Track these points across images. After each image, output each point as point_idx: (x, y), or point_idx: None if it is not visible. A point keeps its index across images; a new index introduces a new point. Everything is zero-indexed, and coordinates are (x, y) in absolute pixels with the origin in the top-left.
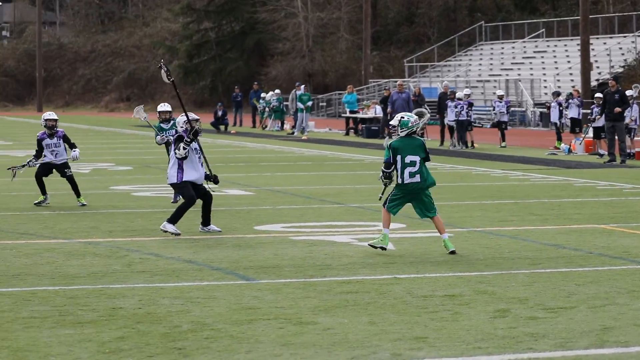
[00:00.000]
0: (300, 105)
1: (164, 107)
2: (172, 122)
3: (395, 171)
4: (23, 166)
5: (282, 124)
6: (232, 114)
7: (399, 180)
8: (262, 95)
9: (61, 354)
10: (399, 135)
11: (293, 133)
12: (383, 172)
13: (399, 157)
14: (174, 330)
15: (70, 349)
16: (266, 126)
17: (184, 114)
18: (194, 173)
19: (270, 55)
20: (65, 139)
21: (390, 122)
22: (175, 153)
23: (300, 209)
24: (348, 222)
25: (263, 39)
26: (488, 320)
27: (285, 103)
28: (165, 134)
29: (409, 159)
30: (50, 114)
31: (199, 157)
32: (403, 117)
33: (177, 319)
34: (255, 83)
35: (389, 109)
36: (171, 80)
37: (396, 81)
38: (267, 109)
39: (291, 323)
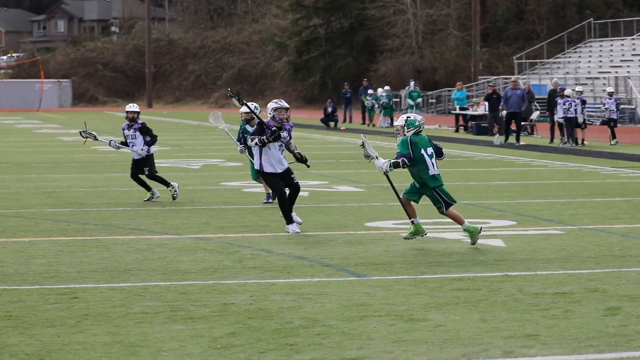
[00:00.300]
0: (410, 101)
1: (132, 107)
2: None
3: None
4: (95, 137)
5: (392, 120)
6: (342, 111)
7: (429, 172)
8: (369, 91)
9: (173, 349)
10: (405, 135)
11: None
12: (397, 165)
13: (422, 151)
14: (286, 326)
15: (181, 345)
16: (375, 124)
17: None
18: (276, 165)
19: (380, 52)
20: (143, 132)
21: (395, 123)
22: (251, 140)
23: None
24: None
25: (372, 36)
26: (599, 318)
27: (394, 99)
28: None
29: (429, 150)
30: (131, 106)
31: (282, 152)
32: (409, 117)
33: (289, 315)
34: (365, 79)
35: (501, 106)
36: (243, 103)
37: (508, 78)
38: (375, 105)
39: (402, 320)
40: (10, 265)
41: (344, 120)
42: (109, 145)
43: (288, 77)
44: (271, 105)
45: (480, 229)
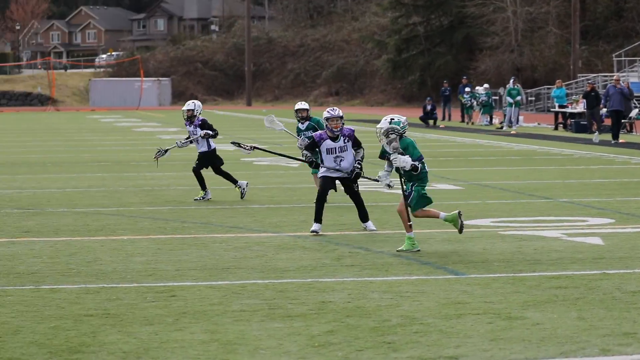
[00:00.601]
0: (509, 99)
1: (301, 105)
2: (308, 122)
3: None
4: (166, 151)
5: (491, 118)
6: (441, 109)
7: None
8: (467, 89)
9: (270, 347)
10: (389, 137)
11: (502, 127)
12: (417, 168)
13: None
14: (383, 324)
15: (279, 343)
16: (473, 122)
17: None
18: (330, 171)
19: (479, 50)
20: (203, 128)
21: (379, 126)
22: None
23: (509, 204)
24: (557, 217)
25: (472, 33)
26: None
27: (494, 97)
28: (302, 135)
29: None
30: (187, 105)
31: (340, 160)
32: (393, 119)
33: (387, 313)
34: (464, 77)
35: (602, 104)
36: (251, 149)
37: (607, 76)
38: (474, 104)
39: (500, 318)
40: (109, 263)
41: (443, 119)
42: (178, 146)
43: (387, 75)
44: (324, 114)
45: (460, 213)
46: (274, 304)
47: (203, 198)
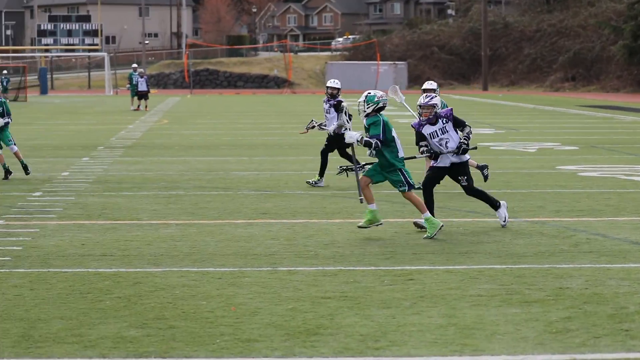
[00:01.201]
0: None
1: (332, 83)
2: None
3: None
4: (320, 125)
5: None
6: None
7: (399, 154)
8: None
9: (508, 332)
10: (365, 111)
11: None
12: (369, 145)
13: (393, 132)
14: (621, 311)
15: (517, 328)
16: None
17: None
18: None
19: None
20: (336, 109)
21: (359, 100)
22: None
23: None
24: None
25: None
26: None
27: None
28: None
29: (394, 132)
30: (331, 82)
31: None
32: (369, 93)
33: (624, 300)
34: None
35: None
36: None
37: None
38: None
39: None
40: (346, 246)
41: None
42: (318, 128)
43: (623, 62)
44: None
45: (442, 226)
46: (511, 289)
47: (315, 184)
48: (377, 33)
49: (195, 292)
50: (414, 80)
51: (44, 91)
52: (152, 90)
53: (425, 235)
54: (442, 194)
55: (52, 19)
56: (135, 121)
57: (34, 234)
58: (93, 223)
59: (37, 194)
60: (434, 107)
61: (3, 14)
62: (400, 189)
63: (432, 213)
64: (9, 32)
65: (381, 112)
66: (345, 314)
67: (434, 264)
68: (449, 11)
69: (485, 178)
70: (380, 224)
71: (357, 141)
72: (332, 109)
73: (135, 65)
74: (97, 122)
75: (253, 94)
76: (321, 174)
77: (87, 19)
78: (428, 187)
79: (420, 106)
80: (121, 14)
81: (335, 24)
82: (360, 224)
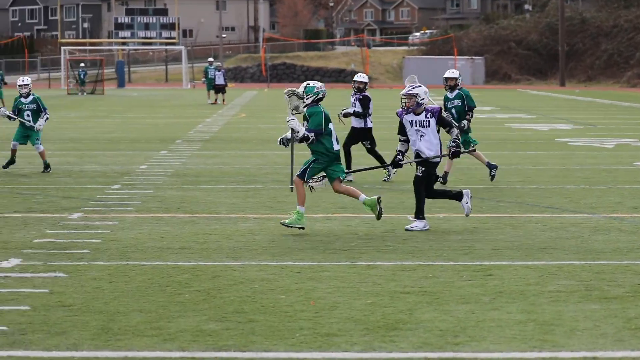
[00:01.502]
0: None
1: (359, 77)
2: (457, 92)
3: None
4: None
5: None
6: None
7: (329, 148)
8: None
9: (587, 329)
10: (304, 102)
11: None
12: (307, 139)
13: (331, 125)
14: None
15: (596, 324)
16: None
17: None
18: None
19: None
20: (362, 103)
21: (297, 90)
22: None
23: None
24: None
25: None
26: None
27: None
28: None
29: (332, 125)
30: (357, 75)
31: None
32: (309, 84)
33: None
34: None
35: None
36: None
37: None
38: None
39: None
40: (425, 241)
41: None
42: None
43: None
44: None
45: (302, 228)
46: (590, 285)
47: (388, 177)
48: (454, 28)
49: (274, 285)
50: (491, 76)
51: (121, 84)
52: (229, 84)
53: (284, 221)
54: (519, 189)
55: (129, 12)
56: (213, 115)
57: (113, 227)
58: (171, 216)
59: (116, 186)
60: (415, 96)
61: (80, 7)
62: (342, 175)
63: (423, 211)
64: (86, 25)
65: (320, 103)
66: (424, 309)
67: (512, 260)
68: (526, 6)
69: (492, 178)
70: (304, 228)
71: (296, 132)
72: (358, 103)
73: (211, 59)
74: (175, 116)
75: (330, 89)
76: (348, 166)
77: (164, 12)
78: (428, 187)
79: (403, 95)
80: (198, 7)
81: (412, 19)
82: (286, 221)
